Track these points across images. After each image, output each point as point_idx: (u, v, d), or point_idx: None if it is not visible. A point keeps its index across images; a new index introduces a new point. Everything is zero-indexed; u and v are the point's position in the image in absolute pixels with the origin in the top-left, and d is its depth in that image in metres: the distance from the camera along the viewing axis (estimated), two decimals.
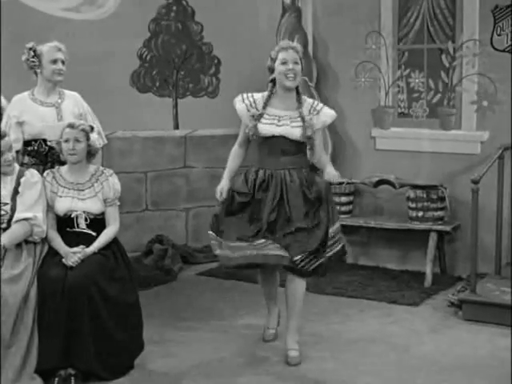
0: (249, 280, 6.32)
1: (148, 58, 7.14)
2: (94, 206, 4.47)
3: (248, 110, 4.60)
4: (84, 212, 4.44)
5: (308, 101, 4.65)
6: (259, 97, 4.64)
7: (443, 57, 6.43)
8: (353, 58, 6.67)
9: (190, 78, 7.28)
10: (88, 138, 4.47)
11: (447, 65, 6.41)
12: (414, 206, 6.30)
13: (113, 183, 4.55)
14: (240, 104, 4.64)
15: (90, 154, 4.52)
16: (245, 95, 4.67)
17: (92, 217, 4.46)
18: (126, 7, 6.94)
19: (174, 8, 7.17)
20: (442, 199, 6.27)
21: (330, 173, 4.48)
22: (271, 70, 4.59)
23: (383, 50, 6.64)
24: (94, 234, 4.44)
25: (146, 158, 7.21)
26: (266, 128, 4.54)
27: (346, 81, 6.76)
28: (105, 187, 4.51)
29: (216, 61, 7.32)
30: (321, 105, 4.67)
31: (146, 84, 7.15)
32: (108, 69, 6.87)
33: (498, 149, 5.82)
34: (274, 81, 4.60)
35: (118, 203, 4.60)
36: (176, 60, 7.23)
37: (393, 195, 6.53)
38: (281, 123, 4.54)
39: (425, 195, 6.24)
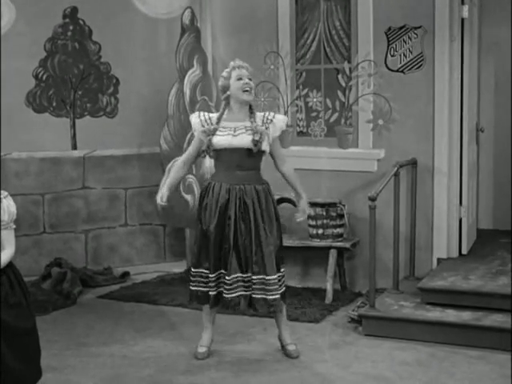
0: (149, 302, 6.25)
1: (44, 77, 7.01)
2: None
3: (202, 126, 4.78)
4: None
5: (259, 114, 4.87)
6: (214, 115, 4.87)
7: (340, 77, 6.56)
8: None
9: (88, 97, 7.18)
10: None
11: (344, 84, 6.55)
12: (313, 223, 6.37)
13: (7, 205, 4.39)
14: (195, 119, 4.85)
15: None
16: (201, 112, 4.90)
17: None
18: (20, 26, 6.81)
19: (71, 27, 7.07)
20: (341, 216, 6.37)
21: (305, 212, 5.03)
22: (224, 89, 4.81)
23: (282, 70, 6.73)
24: None
25: (43, 179, 7.06)
26: (222, 140, 4.71)
27: None
28: None
29: (114, 80, 7.25)
30: (272, 113, 4.91)
31: (42, 104, 7.02)
32: (2, 89, 6.72)
33: (394, 166, 5.95)
34: (227, 98, 4.82)
35: (14, 226, 4.45)
36: (73, 80, 7.12)
37: (293, 213, 6.54)
38: (237, 133, 4.72)
39: (324, 213, 6.33)
